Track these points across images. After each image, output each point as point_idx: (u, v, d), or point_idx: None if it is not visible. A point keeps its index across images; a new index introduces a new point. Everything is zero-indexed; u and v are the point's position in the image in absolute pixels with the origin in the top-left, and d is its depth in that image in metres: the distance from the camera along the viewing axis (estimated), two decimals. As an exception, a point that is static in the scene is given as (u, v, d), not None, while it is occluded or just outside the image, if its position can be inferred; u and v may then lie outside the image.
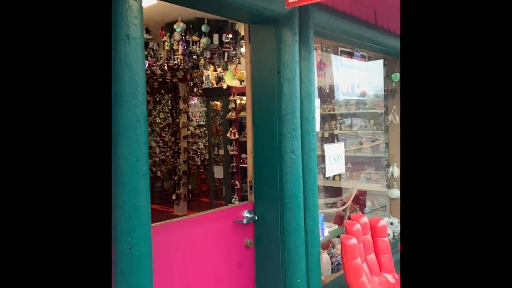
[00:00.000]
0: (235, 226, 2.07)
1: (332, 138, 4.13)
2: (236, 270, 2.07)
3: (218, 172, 4.94)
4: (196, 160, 7.24)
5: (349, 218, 2.77)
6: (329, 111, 4.23)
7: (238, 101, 4.65)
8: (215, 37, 3.58)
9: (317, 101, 2.58)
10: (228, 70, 4.37)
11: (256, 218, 2.13)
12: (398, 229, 3.44)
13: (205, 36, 3.55)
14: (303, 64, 2.17)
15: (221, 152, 4.95)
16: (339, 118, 4.33)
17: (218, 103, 5.44)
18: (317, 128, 2.58)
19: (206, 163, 6.86)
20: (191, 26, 3.68)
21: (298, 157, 2.09)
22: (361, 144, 4.23)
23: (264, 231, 2.12)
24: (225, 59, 3.71)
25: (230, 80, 4.64)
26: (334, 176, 4.09)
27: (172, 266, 1.77)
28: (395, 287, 2.41)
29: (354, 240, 2.20)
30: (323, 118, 4.31)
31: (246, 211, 2.11)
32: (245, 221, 2.06)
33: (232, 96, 4.69)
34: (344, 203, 3.67)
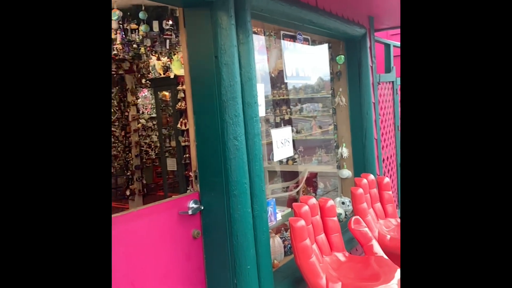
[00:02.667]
0: (181, 218, 2.01)
1: (284, 123, 4.14)
2: (184, 262, 2.02)
3: (171, 164, 4.83)
4: (150, 153, 7.04)
5: (299, 201, 2.79)
6: (279, 97, 4.24)
7: (187, 91, 4.54)
8: (155, 24, 3.44)
9: (261, 86, 2.55)
10: (172, 58, 4.23)
11: (202, 207, 2.08)
12: (350, 208, 3.53)
13: (144, 24, 3.40)
14: (242, 48, 2.12)
15: (173, 143, 4.84)
16: (297, 104, 4.36)
17: (166, 93, 5.29)
18: (262, 113, 2.56)
19: (160, 156, 6.71)
20: (128, 13, 3.51)
21: (242, 144, 2.06)
22: (311, 128, 4.29)
23: (211, 220, 2.08)
24: (167, 47, 3.58)
25: (177, 69, 4.51)
26: (288, 160, 4.13)
27: (113, 265, 1.69)
28: (346, 265, 2.46)
29: (302, 222, 2.22)
30: (277, 103, 4.32)
31: (191, 201, 2.06)
32: (190, 212, 2.01)
33: (180, 85, 4.57)
34: (297, 186, 3.72)
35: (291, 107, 4.36)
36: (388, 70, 4.90)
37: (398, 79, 4.88)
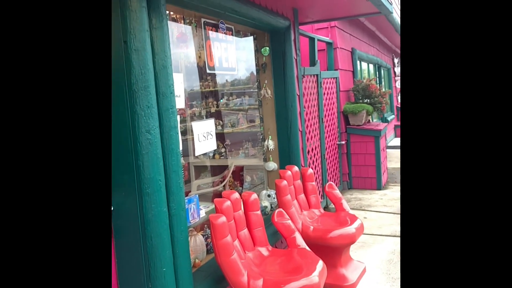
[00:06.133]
0: (86, 221, 1.81)
1: (211, 116, 4.02)
2: (92, 270, 1.83)
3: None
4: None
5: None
6: (205, 88, 4.10)
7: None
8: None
9: (179, 76, 2.40)
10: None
11: (112, 208, 1.89)
12: (276, 200, 3.52)
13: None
14: (155, 34, 1.95)
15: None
16: (226, 97, 4.24)
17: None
18: (181, 105, 2.41)
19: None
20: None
21: (155, 137, 1.90)
22: (238, 121, 4.22)
23: (123, 222, 1.90)
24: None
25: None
26: (214, 154, 4.01)
27: None
28: (269, 260, 2.43)
29: (223, 219, 2.13)
30: (206, 96, 4.17)
31: (99, 202, 1.86)
32: (97, 214, 1.81)
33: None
34: (223, 181, 3.63)
35: (220, 100, 4.24)
36: (312, 63, 4.99)
37: (323, 73, 5.00)
